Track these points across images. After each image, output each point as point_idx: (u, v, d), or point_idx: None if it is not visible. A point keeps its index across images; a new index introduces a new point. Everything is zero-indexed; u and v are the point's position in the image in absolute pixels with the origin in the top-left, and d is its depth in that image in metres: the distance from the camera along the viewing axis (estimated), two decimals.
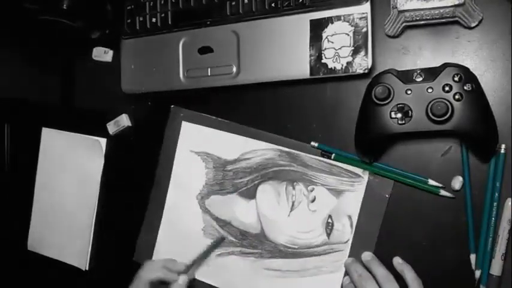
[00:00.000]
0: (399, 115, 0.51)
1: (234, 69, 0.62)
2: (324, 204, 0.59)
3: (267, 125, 0.62)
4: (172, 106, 0.68)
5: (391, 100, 0.51)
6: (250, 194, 0.63)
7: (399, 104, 0.51)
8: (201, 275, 0.65)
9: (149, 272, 0.61)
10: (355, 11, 0.56)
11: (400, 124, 0.51)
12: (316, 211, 0.59)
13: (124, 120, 0.70)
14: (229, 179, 0.64)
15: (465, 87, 0.49)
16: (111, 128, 0.71)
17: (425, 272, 0.53)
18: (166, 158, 0.68)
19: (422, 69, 0.51)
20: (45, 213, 0.77)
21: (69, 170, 0.75)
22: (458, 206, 0.53)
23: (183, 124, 0.67)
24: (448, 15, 0.53)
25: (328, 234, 0.58)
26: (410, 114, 0.51)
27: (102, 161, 0.72)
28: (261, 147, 0.62)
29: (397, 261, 0.54)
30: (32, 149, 0.78)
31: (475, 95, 0.49)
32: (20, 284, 0.80)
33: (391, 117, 0.51)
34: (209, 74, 0.63)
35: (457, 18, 0.53)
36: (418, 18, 0.54)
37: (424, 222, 0.55)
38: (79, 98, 0.76)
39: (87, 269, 0.73)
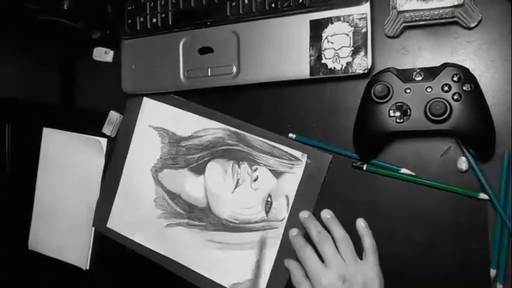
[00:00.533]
0: (398, 113, 0.51)
1: (234, 69, 0.62)
2: (264, 184, 0.62)
3: (267, 125, 0.62)
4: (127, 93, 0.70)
5: (390, 98, 0.51)
6: (199, 170, 0.66)
7: (398, 102, 0.51)
8: (147, 241, 0.68)
9: None
10: (354, 11, 0.56)
11: (399, 122, 0.51)
12: (257, 189, 0.63)
13: (114, 115, 0.71)
14: (182, 155, 0.67)
15: (464, 88, 0.49)
16: (107, 129, 0.71)
17: (426, 270, 0.54)
18: (125, 131, 0.71)
19: (421, 69, 0.51)
20: (45, 213, 0.77)
21: (70, 170, 0.75)
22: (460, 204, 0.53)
23: (144, 99, 0.70)
24: (447, 16, 0.53)
25: (267, 212, 0.62)
26: (408, 113, 0.51)
27: (102, 161, 0.72)
28: (212, 126, 0.66)
29: (360, 224, 0.56)
30: (32, 149, 0.78)
31: (474, 96, 0.49)
32: (20, 283, 0.80)
33: (390, 116, 0.52)
34: (209, 74, 0.63)
35: (456, 19, 0.53)
36: (417, 18, 0.54)
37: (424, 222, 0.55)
38: (79, 98, 0.76)
39: (87, 268, 0.73)
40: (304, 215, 0.59)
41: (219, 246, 0.64)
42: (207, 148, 0.66)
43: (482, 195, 0.52)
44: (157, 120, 0.69)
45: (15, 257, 0.79)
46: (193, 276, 0.65)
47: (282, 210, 0.61)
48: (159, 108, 0.69)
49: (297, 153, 0.60)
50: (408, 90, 0.51)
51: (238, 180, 0.64)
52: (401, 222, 0.56)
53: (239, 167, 0.64)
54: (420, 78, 0.51)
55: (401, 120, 0.51)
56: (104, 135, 0.72)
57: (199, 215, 0.66)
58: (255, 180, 0.63)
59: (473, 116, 0.49)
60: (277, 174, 0.61)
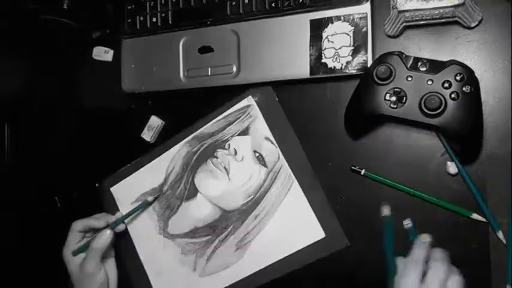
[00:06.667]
0: (393, 98, 0.51)
1: (234, 68, 0.62)
2: (244, 148, 0.63)
3: None
4: (96, 185, 0.72)
5: (390, 82, 0.51)
6: (193, 192, 0.66)
7: (397, 88, 0.51)
8: (214, 278, 0.64)
9: (80, 221, 0.64)
10: (355, 11, 0.56)
11: (392, 108, 0.51)
12: (243, 157, 0.63)
13: (156, 121, 0.69)
14: (171, 197, 0.67)
15: (464, 88, 0.49)
16: (148, 135, 0.69)
17: None
18: (117, 223, 0.66)
19: (428, 60, 0.51)
20: None
21: None
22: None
23: (112, 190, 0.71)
24: (448, 16, 0.53)
25: (265, 164, 0.62)
26: (404, 100, 0.51)
27: None
28: (172, 153, 0.67)
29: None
30: (32, 149, 0.78)
31: (471, 98, 0.49)
32: (20, 284, 0.80)
33: (385, 99, 0.52)
34: (209, 74, 0.63)
35: (456, 19, 0.53)
36: (418, 18, 0.54)
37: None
38: (79, 98, 0.76)
39: None
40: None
41: (256, 229, 0.62)
42: (184, 171, 0.66)
43: (476, 216, 0.52)
44: (133, 194, 0.69)
45: (15, 257, 0.79)
46: (280, 265, 0.61)
47: (272, 150, 0.62)
48: (127, 184, 0.70)
49: (244, 102, 0.63)
50: (409, 78, 0.51)
51: (225, 167, 0.64)
52: (401, 222, 0.56)
53: (217, 157, 0.64)
54: (424, 69, 0.51)
55: (395, 106, 0.51)
56: (102, 134, 0.72)
57: (222, 226, 0.64)
58: (236, 153, 0.63)
59: (465, 118, 0.49)
60: (245, 131, 0.63)
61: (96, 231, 0.65)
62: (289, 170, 0.61)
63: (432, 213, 0.54)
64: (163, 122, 0.69)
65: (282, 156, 0.61)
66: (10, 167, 0.79)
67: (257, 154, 0.62)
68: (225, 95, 0.65)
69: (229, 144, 0.64)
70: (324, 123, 0.60)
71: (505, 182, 0.51)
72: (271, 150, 0.62)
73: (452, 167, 0.53)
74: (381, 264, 0.54)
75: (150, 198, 0.67)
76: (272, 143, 0.61)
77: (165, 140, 0.69)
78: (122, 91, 0.69)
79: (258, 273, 0.62)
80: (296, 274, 0.60)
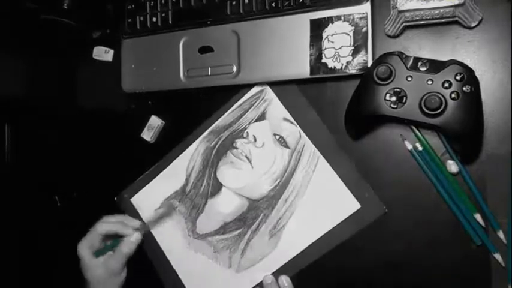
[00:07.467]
0: (394, 98, 0.51)
1: (235, 68, 0.62)
2: (263, 133, 0.62)
3: None
4: (115, 199, 0.71)
5: (390, 82, 0.51)
6: (217, 187, 0.65)
7: (397, 88, 0.51)
8: (251, 271, 0.63)
9: (105, 224, 0.63)
10: (355, 10, 0.56)
11: (392, 108, 0.51)
12: (264, 143, 0.62)
13: (156, 121, 0.69)
14: (195, 196, 0.66)
15: (464, 88, 0.49)
16: (147, 135, 0.69)
17: (426, 270, 0.54)
18: (146, 234, 0.65)
19: (428, 60, 0.51)
20: None
21: None
22: None
23: (133, 201, 0.70)
24: (448, 15, 0.53)
25: (287, 146, 0.61)
26: (404, 100, 0.51)
27: None
28: (191, 152, 0.67)
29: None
30: (32, 149, 0.78)
31: (471, 98, 0.49)
32: (20, 284, 0.80)
33: (386, 99, 0.52)
34: (209, 74, 0.63)
35: (457, 18, 0.53)
36: (418, 18, 0.54)
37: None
38: (79, 98, 0.76)
39: None
40: (267, 280, 0.60)
41: (288, 212, 0.61)
42: (205, 167, 0.66)
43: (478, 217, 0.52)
44: (157, 201, 0.69)
45: (15, 257, 0.79)
46: (318, 246, 0.59)
47: (292, 130, 0.61)
48: (148, 192, 0.69)
49: (257, 89, 0.63)
50: (410, 78, 0.51)
51: (246, 156, 0.63)
52: (401, 222, 0.56)
53: (237, 148, 0.64)
54: (424, 69, 0.51)
55: (396, 106, 0.51)
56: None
57: (252, 216, 0.63)
58: (255, 140, 0.63)
59: (465, 118, 0.49)
60: (262, 116, 0.63)
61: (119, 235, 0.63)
62: (313, 146, 0.60)
63: (432, 213, 0.54)
64: (164, 122, 0.69)
65: (303, 134, 0.60)
66: (10, 167, 0.79)
67: (277, 137, 0.61)
68: (225, 95, 0.65)
69: (247, 133, 0.63)
70: (324, 123, 0.60)
71: (505, 182, 0.51)
72: (292, 131, 0.61)
73: (453, 166, 0.53)
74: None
75: (175, 203, 0.66)
76: (291, 122, 0.61)
77: (165, 139, 0.69)
78: (122, 91, 0.69)
79: (295, 259, 0.60)
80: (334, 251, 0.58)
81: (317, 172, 0.59)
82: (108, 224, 0.63)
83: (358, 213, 0.57)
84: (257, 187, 0.63)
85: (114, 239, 0.63)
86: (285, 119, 0.61)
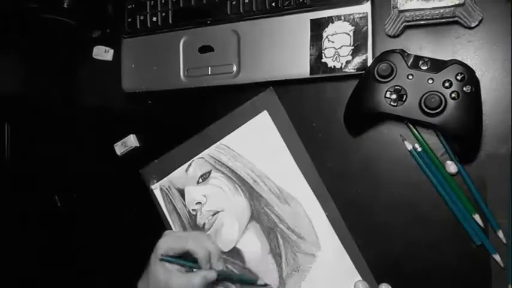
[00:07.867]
0: (394, 96, 0.51)
1: (235, 68, 0.62)
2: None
3: None
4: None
5: (391, 80, 0.52)
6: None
7: (397, 85, 0.51)
8: None
9: (173, 241, 0.54)
10: (355, 10, 0.56)
11: (392, 105, 0.51)
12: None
13: (132, 141, 0.69)
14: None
15: (464, 89, 0.49)
16: (119, 148, 0.70)
17: (426, 270, 0.54)
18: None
19: (430, 59, 0.51)
20: None
21: None
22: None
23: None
24: (448, 15, 0.53)
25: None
26: (404, 99, 0.51)
27: None
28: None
29: None
30: (32, 149, 0.78)
31: (471, 98, 0.50)
32: (20, 284, 0.80)
33: (386, 97, 0.52)
34: (209, 73, 0.63)
35: (457, 18, 0.53)
36: (418, 18, 0.54)
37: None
38: (79, 97, 0.76)
39: None
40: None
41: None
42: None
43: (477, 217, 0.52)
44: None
45: (14, 257, 0.79)
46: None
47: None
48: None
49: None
50: (410, 77, 0.51)
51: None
52: (401, 222, 0.56)
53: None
54: (426, 67, 0.51)
55: (395, 104, 0.51)
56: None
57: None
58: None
59: (465, 118, 0.49)
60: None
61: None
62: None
63: (432, 213, 0.54)
64: (139, 146, 0.69)
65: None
66: (10, 166, 0.79)
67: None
68: (225, 95, 0.65)
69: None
70: (324, 123, 0.60)
71: (505, 182, 0.51)
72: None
73: (451, 167, 0.53)
74: None
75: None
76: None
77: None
78: (122, 90, 0.69)
79: None
80: None
81: None
82: (177, 241, 0.55)
83: None
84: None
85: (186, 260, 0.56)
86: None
